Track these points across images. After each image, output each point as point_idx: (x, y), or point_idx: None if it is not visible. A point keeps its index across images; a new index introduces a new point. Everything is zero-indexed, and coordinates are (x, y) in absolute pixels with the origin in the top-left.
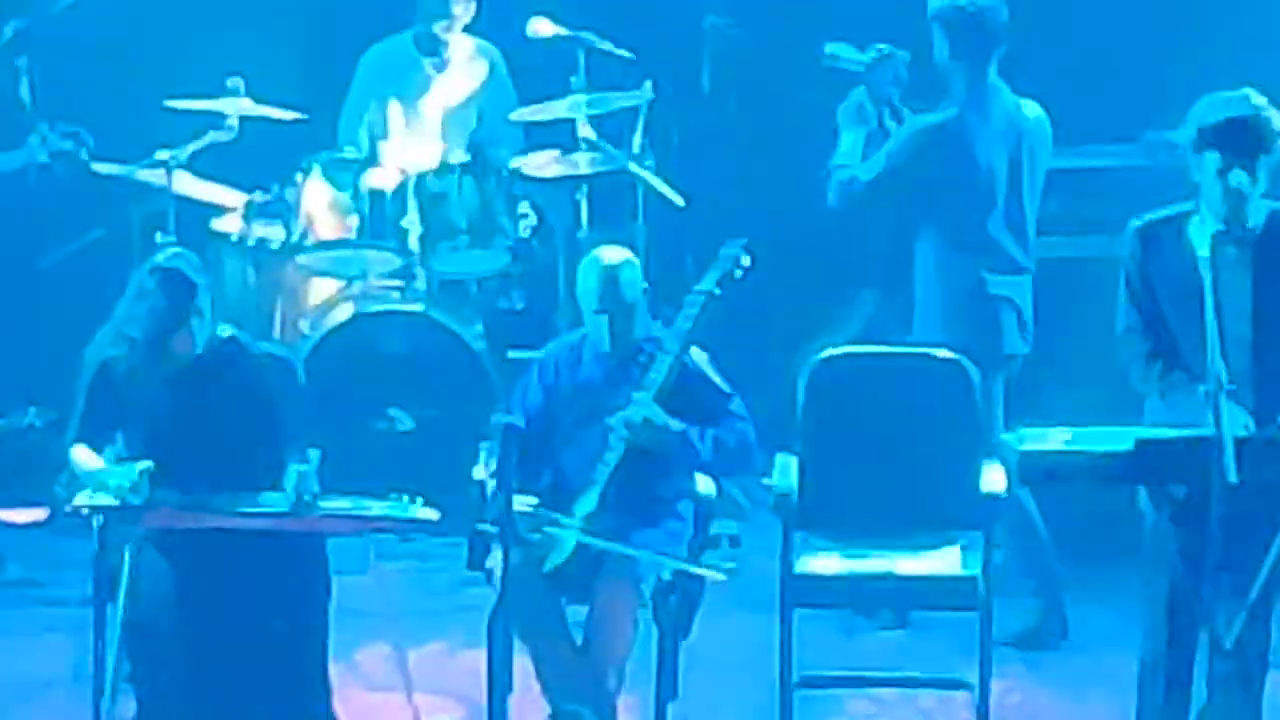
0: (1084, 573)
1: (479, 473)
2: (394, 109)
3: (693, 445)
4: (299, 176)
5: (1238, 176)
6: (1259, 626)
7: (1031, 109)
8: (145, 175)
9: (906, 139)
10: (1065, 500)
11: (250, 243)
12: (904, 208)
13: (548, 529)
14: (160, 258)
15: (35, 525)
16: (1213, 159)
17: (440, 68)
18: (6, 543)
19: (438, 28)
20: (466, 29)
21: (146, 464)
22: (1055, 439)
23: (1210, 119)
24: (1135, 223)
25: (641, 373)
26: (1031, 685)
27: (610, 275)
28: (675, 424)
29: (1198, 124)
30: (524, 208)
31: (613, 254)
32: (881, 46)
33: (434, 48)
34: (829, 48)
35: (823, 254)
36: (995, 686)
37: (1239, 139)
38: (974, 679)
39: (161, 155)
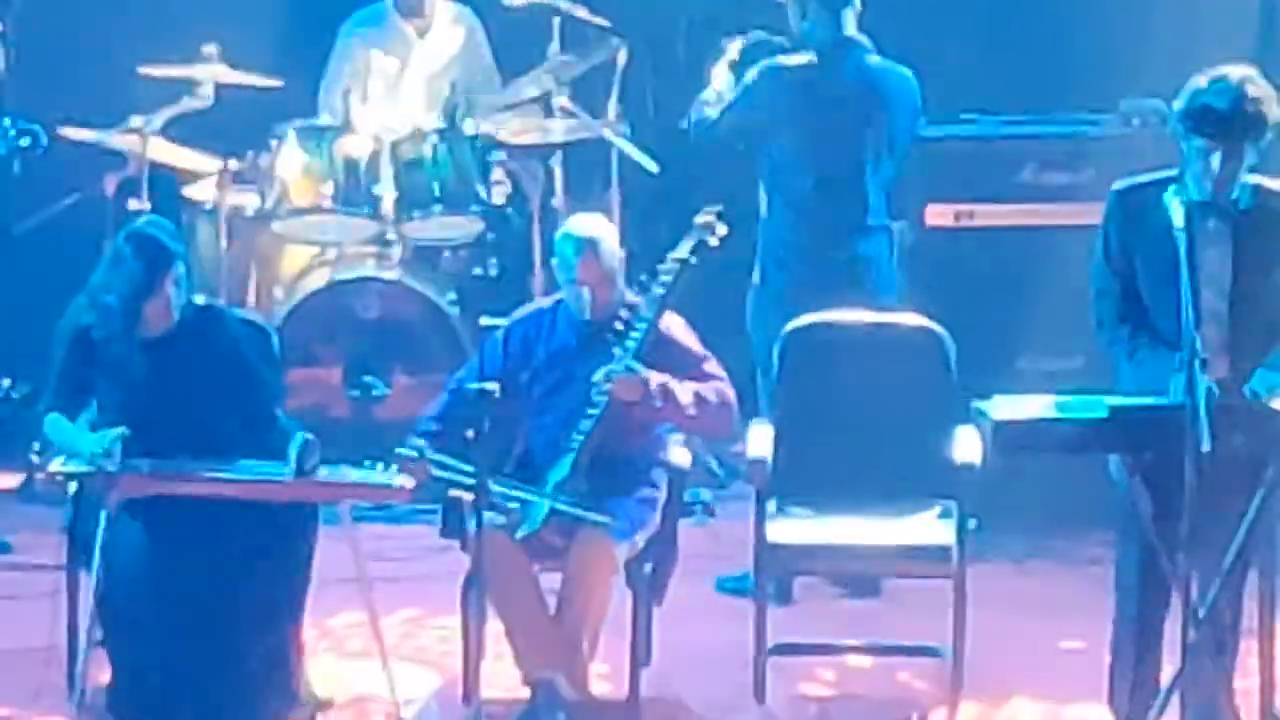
0: (1055, 540)
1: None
2: (374, 75)
3: (674, 396)
4: (274, 143)
5: (1216, 162)
6: (1233, 595)
7: (896, 71)
8: (119, 141)
9: (754, 79)
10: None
11: (225, 210)
12: (748, 150)
13: (521, 496)
14: (136, 225)
15: (8, 492)
16: (1195, 141)
17: (421, 33)
18: None
19: None
20: None
21: (121, 430)
22: (1029, 407)
23: (1196, 104)
24: (1117, 186)
25: (616, 340)
26: (1005, 653)
27: (587, 245)
28: (657, 376)
29: (1185, 104)
30: (498, 174)
31: (589, 223)
32: None
33: (415, 13)
34: None
35: None
36: (968, 654)
37: (1223, 127)
38: (947, 647)
39: (136, 122)
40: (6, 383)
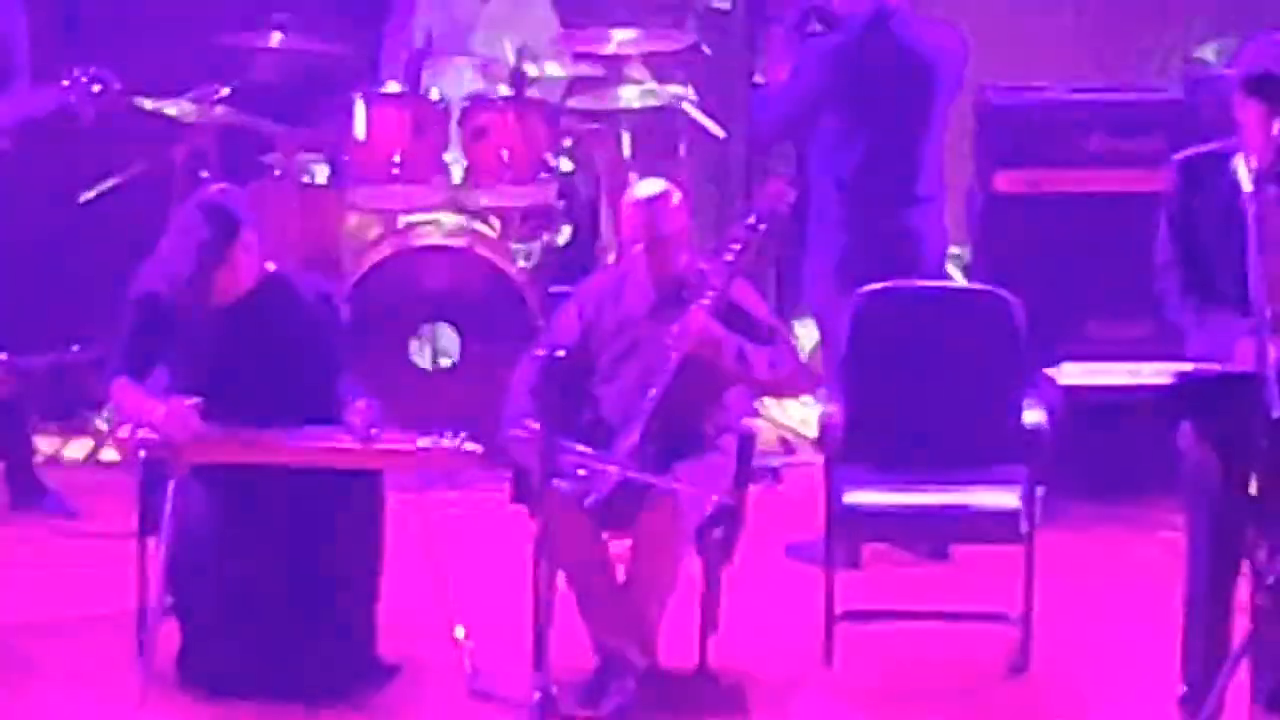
0: (1124, 508)
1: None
2: (439, 40)
3: (747, 358)
4: (342, 111)
5: (1277, 128)
6: None
7: (943, 37)
8: (189, 111)
9: (804, 63)
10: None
11: (295, 178)
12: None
13: (591, 463)
14: (206, 193)
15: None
16: (1253, 107)
17: None
18: (53, 477)
19: None
20: None
21: (193, 399)
22: (1098, 374)
23: (1251, 68)
24: (1179, 156)
25: (685, 307)
26: (1074, 619)
27: (650, 208)
28: (733, 336)
29: (1242, 70)
30: (567, 142)
31: (652, 186)
32: None
33: None
34: None
35: None
36: (1037, 621)
37: (1277, 93)
38: (1016, 614)
39: (205, 91)
40: (75, 348)
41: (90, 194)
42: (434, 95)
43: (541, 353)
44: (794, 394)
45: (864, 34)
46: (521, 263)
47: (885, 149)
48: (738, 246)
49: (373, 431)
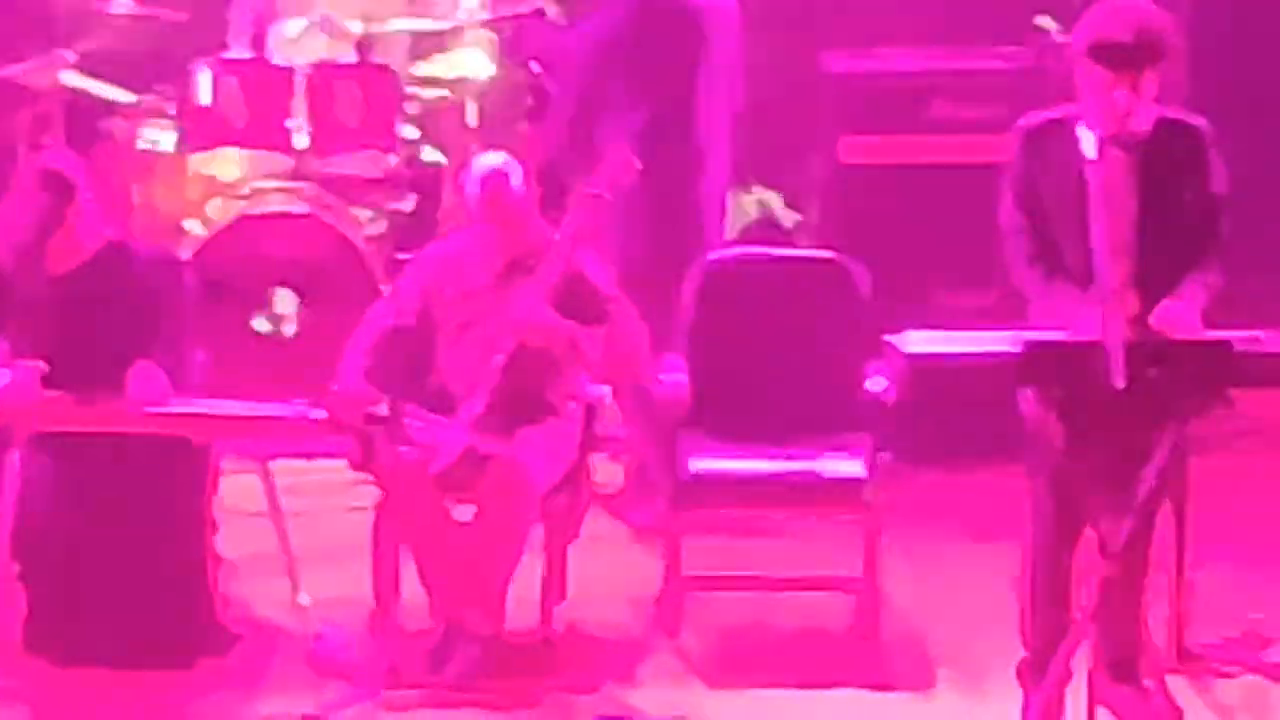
0: (967, 474)
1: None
2: (284, 8)
3: (578, 346)
4: (187, 77)
5: (1119, 95)
6: (1144, 529)
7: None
8: (33, 76)
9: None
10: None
11: (139, 145)
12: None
13: (436, 430)
14: (41, 158)
15: None
16: (1097, 72)
17: None
18: None
19: None
20: None
21: (36, 364)
22: (941, 341)
23: (1092, 35)
24: (1023, 122)
25: (529, 274)
26: (916, 586)
27: (494, 181)
28: (564, 328)
29: (1084, 36)
30: (413, 110)
31: (494, 160)
32: None
33: None
34: None
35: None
36: (883, 586)
37: (1120, 58)
38: (861, 580)
39: (49, 56)
40: None
41: None
42: (279, 61)
43: (380, 318)
44: (634, 374)
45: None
46: (365, 230)
47: (668, 116)
48: (580, 217)
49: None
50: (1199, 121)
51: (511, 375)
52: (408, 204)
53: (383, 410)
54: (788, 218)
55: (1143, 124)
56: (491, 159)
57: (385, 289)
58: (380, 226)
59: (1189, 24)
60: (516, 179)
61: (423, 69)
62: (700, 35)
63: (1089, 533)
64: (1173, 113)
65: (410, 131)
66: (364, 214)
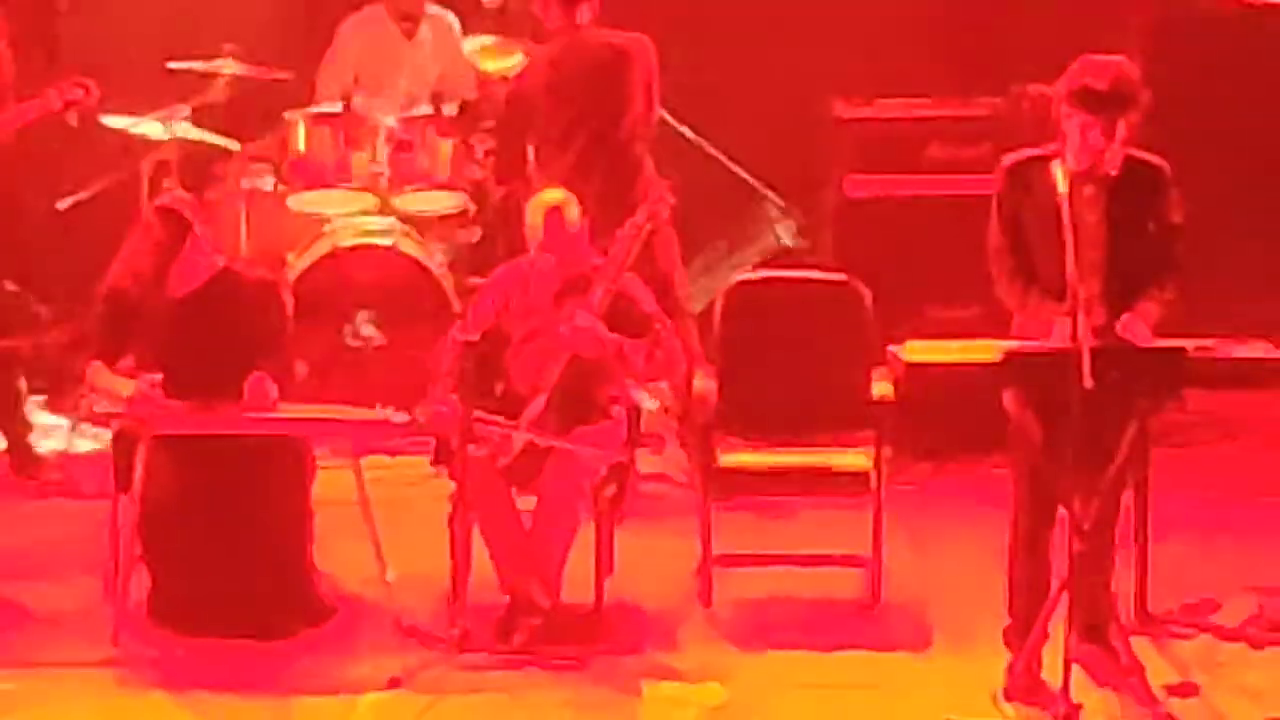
0: (958, 465)
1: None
2: (368, 68)
3: (625, 356)
4: (285, 129)
5: (1096, 137)
6: (1111, 510)
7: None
8: (152, 129)
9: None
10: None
11: (244, 186)
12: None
13: (501, 430)
14: (161, 199)
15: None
16: (1075, 120)
17: (408, 32)
18: (42, 446)
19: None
20: None
21: (156, 376)
22: (935, 351)
23: (1076, 84)
24: (1006, 161)
25: (582, 295)
26: (917, 561)
27: (554, 212)
28: (613, 340)
29: (1066, 85)
30: (478, 154)
31: (555, 195)
32: None
33: (401, 15)
34: None
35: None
36: (887, 562)
37: (1098, 104)
38: (867, 556)
39: (167, 111)
40: (57, 334)
41: (67, 202)
42: (364, 114)
43: (459, 337)
44: (674, 377)
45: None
46: (439, 258)
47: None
48: (626, 244)
49: (268, 401)
50: (1161, 162)
51: (567, 381)
52: (475, 236)
53: (458, 416)
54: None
55: (1113, 163)
56: (552, 194)
57: (457, 309)
58: (451, 256)
59: (1145, 77)
60: (573, 212)
61: (488, 120)
62: (622, 72)
63: (1063, 514)
64: (1139, 154)
65: (476, 172)
66: (437, 245)
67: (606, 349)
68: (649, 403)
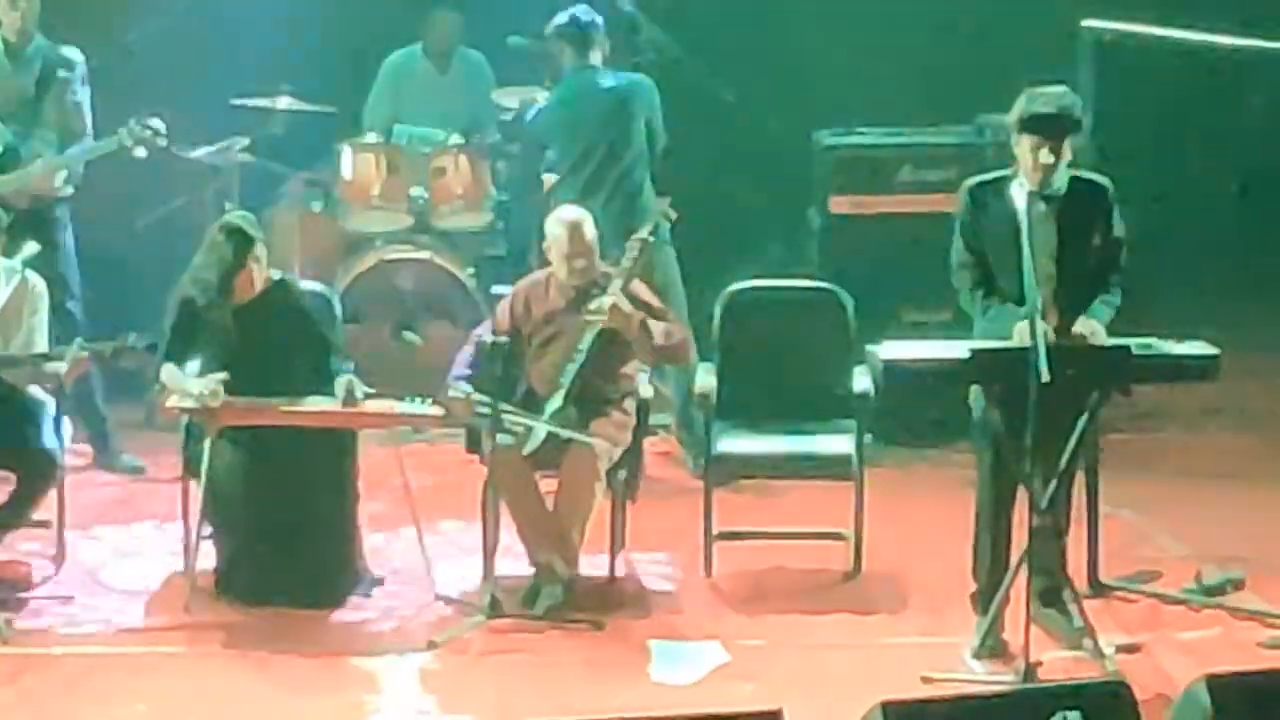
0: (929, 451)
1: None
2: (407, 102)
3: (648, 328)
4: (335, 156)
5: (1045, 156)
6: (1065, 490)
7: (632, 77)
8: (218, 157)
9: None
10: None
11: (299, 208)
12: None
13: (526, 421)
14: (225, 218)
15: (135, 424)
16: (1027, 142)
17: (442, 71)
18: (121, 438)
19: (440, 42)
20: (460, 41)
21: (221, 375)
22: (909, 349)
23: (1025, 111)
24: (968, 183)
25: (597, 300)
26: (894, 536)
27: (573, 226)
28: (637, 312)
29: (1017, 113)
30: (504, 179)
31: (573, 211)
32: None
33: (436, 56)
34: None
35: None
36: (867, 537)
37: (1046, 128)
38: (850, 532)
39: (229, 141)
40: (133, 337)
41: (145, 221)
42: (403, 142)
43: (480, 336)
44: (684, 361)
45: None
46: (469, 270)
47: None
48: (635, 253)
49: (356, 397)
50: (1105, 181)
51: (582, 378)
52: (500, 249)
53: (486, 408)
54: None
55: (1061, 182)
56: (570, 211)
57: (484, 313)
58: (480, 267)
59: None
60: (588, 227)
61: (513, 146)
62: (627, 109)
63: (1023, 493)
64: (1085, 174)
65: (502, 195)
66: (468, 258)
67: (631, 321)
68: (646, 389)
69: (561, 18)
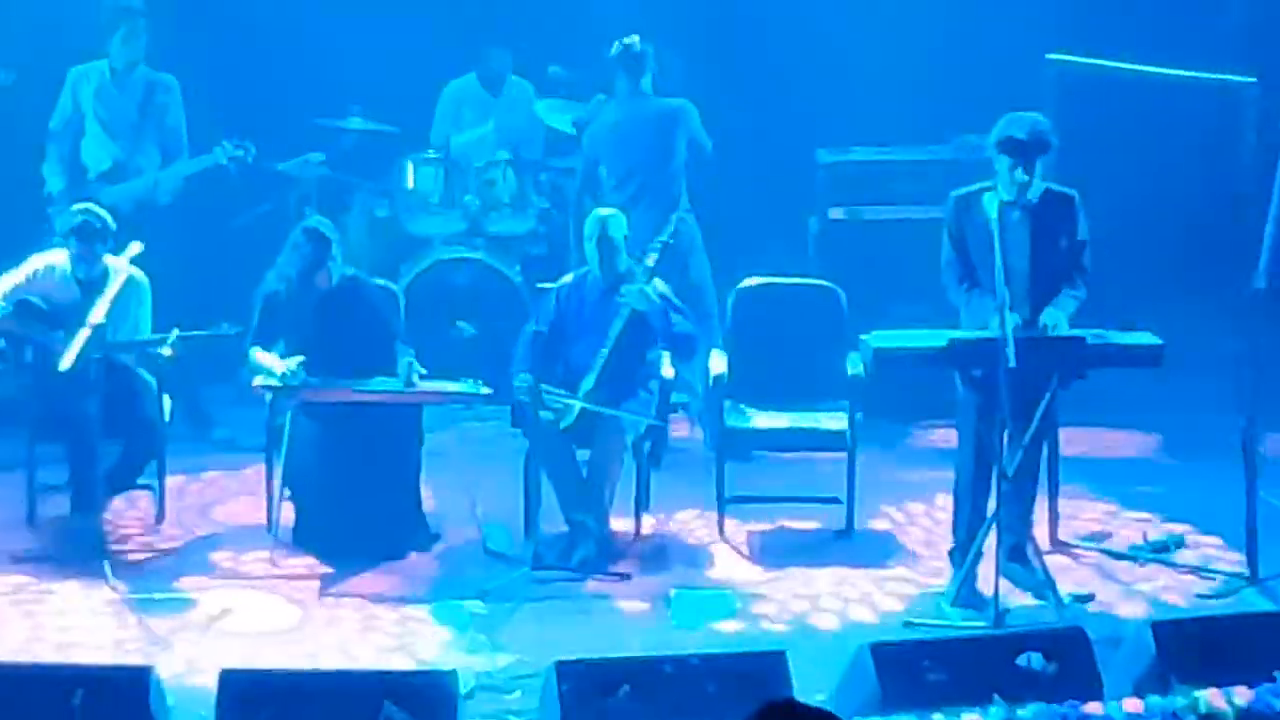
0: (915, 428)
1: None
2: (464, 124)
3: (668, 316)
4: (399, 169)
5: (1020, 174)
6: (1030, 461)
7: (676, 102)
8: (298, 169)
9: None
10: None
11: (369, 213)
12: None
13: (563, 400)
14: (305, 222)
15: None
16: (1004, 160)
17: (495, 94)
18: (216, 412)
19: (492, 71)
20: (508, 71)
21: (300, 358)
22: (897, 339)
23: (1004, 134)
24: (954, 193)
25: (623, 294)
26: (881, 500)
27: (604, 220)
28: (657, 301)
29: (996, 136)
30: (545, 188)
31: (607, 211)
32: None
33: (489, 83)
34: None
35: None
36: (858, 502)
37: (1022, 149)
38: (844, 496)
39: (309, 156)
40: (225, 325)
41: (236, 224)
42: (458, 158)
43: (531, 328)
44: (693, 351)
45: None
46: (516, 268)
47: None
48: (655, 254)
49: (414, 379)
50: (1072, 192)
51: (612, 362)
52: (542, 250)
53: (530, 389)
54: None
55: (1034, 194)
56: (605, 211)
57: (530, 308)
58: (525, 265)
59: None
60: (619, 227)
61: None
62: (670, 130)
63: (995, 463)
64: (1054, 186)
65: (544, 202)
66: (514, 257)
67: (656, 308)
68: (668, 371)
69: (617, 47)
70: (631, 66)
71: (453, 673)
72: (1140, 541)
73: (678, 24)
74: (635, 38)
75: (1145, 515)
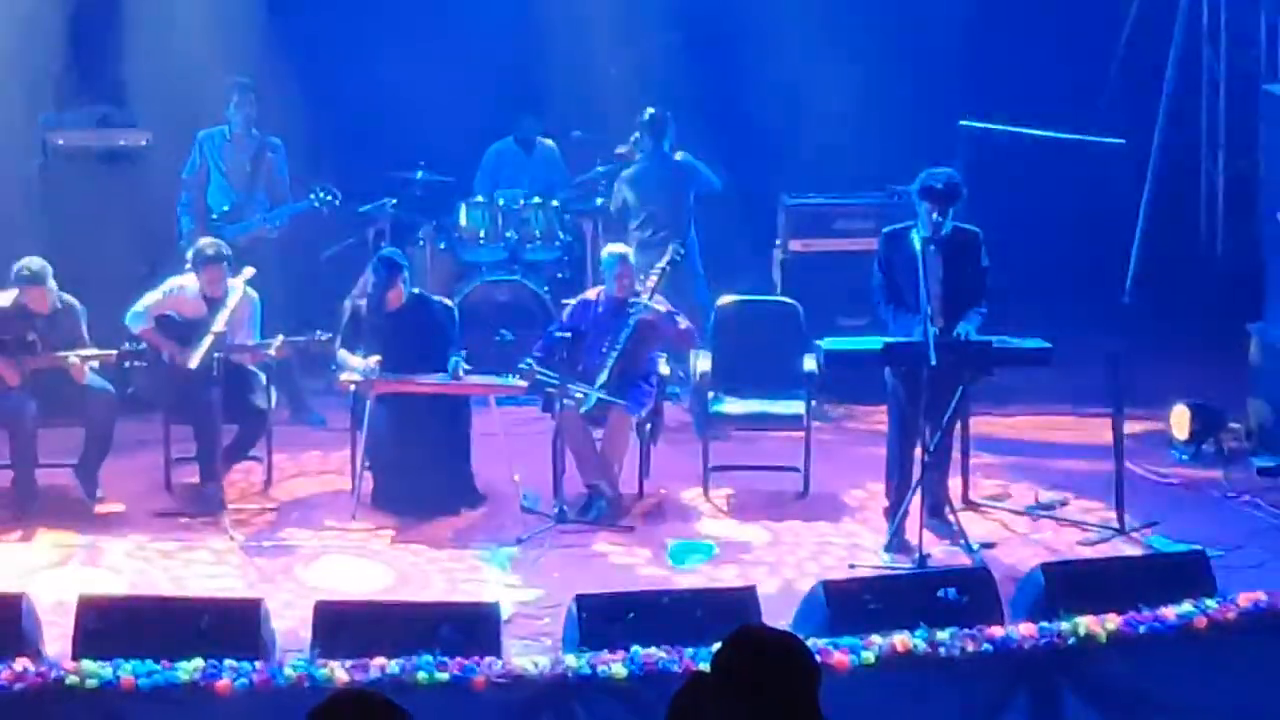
0: (857, 411)
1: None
2: (503, 175)
3: (673, 319)
4: (453, 211)
5: (936, 216)
6: (945, 440)
7: (683, 157)
8: (374, 210)
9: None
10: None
11: (429, 246)
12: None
13: (582, 390)
14: (381, 252)
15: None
16: (924, 205)
17: (528, 152)
18: (311, 400)
19: (525, 134)
20: (539, 134)
21: (377, 358)
22: (843, 343)
23: (924, 184)
24: (884, 230)
25: (630, 308)
26: (833, 470)
27: (622, 257)
28: (661, 310)
29: (918, 185)
30: (569, 226)
31: (621, 247)
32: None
33: (523, 144)
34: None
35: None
36: (814, 471)
37: (938, 196)
38: (801, 466)
39: (382, 200)
40: (319, 333)
41: (327, 254)
42: (500, 202)
43: (554, 332)
44: (693, 346)
45: (651, 161)
46: (545, 288)
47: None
48: (655, 277)
49: (461, 374)
50: (977, 229)
51: (619, 362)
52: (566, 274)
53: (557, 382)
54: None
55: (947, 231)
56: (617, 247)
57: (555, 319)
58: (552, 286)
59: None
60: (630, 257)
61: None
62: (685, 183)
63: (919, 440)
64: (963, 225)
65: (566, 236)
66: (544, 279)
67: (661, 316)
68: (665, 368)
69: (648, 113)
70: (655, 130)
71: (496, 603)
72: (1033, 502)
73: (676, 94)
74: (660, 106)
75: (1037, 482)
